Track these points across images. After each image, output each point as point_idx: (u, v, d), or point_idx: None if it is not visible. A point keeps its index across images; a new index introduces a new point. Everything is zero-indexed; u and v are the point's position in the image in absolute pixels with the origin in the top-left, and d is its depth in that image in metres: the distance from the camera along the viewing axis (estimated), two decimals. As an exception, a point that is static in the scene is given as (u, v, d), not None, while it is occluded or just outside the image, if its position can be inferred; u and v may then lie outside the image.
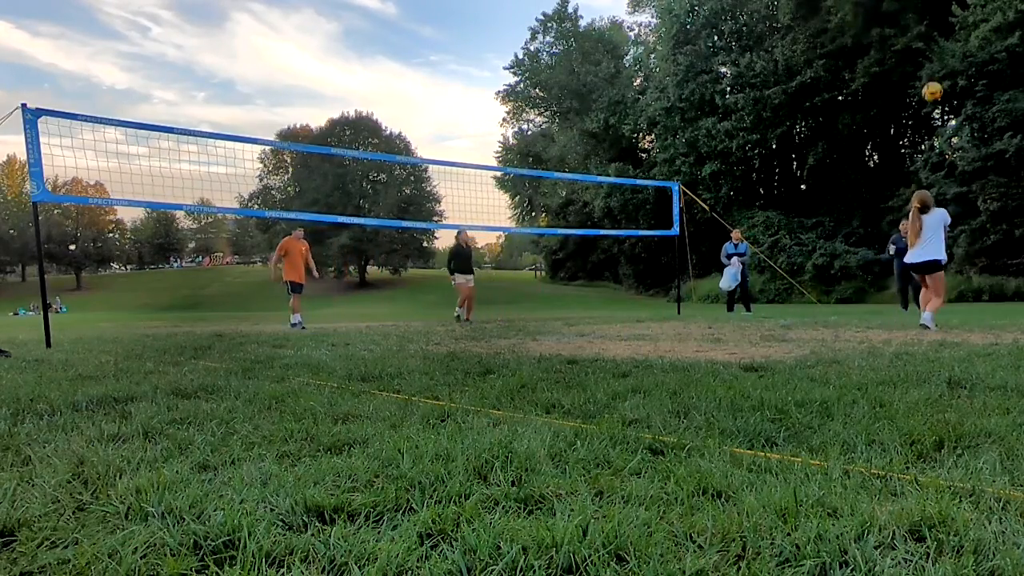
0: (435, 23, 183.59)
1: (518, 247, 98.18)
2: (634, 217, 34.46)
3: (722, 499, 1.49)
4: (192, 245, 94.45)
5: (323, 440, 2.10)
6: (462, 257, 11.44)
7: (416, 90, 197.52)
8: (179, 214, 74.55)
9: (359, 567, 1.17)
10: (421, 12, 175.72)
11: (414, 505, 1.48)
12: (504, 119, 55.24)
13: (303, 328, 9.95)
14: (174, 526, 1.35)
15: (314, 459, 1.90)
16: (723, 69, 32.89)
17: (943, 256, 7.31)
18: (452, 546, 1.25)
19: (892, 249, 11.91)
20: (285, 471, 1.76)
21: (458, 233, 11.55)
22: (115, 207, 45.51)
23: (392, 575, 1.15)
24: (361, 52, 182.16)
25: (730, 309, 12.82)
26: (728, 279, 12.57)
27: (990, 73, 21.81)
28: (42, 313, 7.52)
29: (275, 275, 11.05)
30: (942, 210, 7.32)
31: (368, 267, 61.89)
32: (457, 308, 11.62)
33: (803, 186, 34.41)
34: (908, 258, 7.33)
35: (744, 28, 33.50)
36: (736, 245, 12.78)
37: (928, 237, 7.17)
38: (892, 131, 32.19)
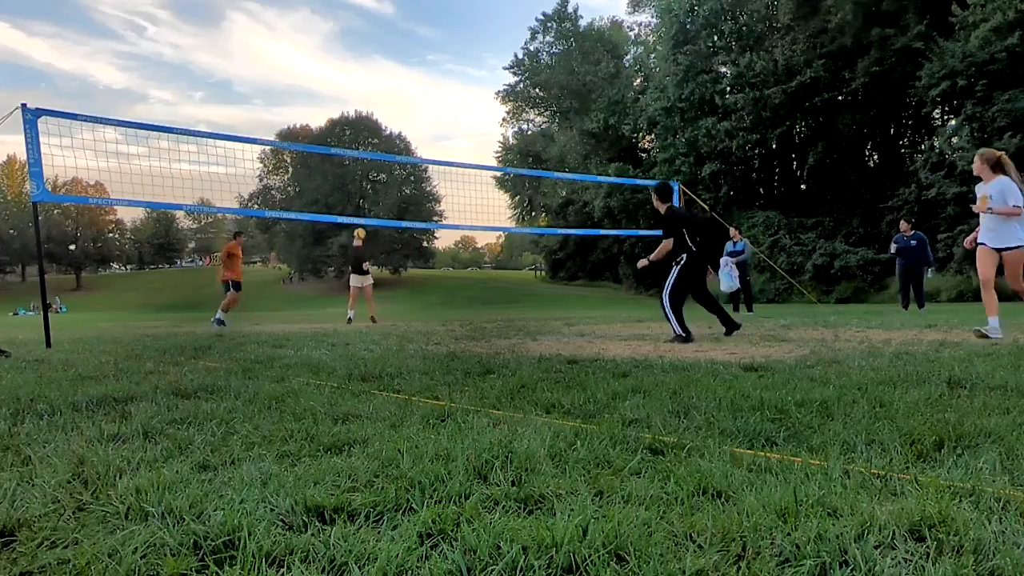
0: (432, 22, 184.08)
1: (518, 247, 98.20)
2: (634, 217, 34.44)
3: (722, 499, 1.49)
4: (192, 245, 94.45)
5: (323, 440, 2.10)
6: (352, 259, 12.21)
7: (413, 89, 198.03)
8: (179, 214, 74.63)
9: (359, 567, 1.17)
10: (418, 11, 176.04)
11: (414, 505, 1.48)
12: (504, 119, 55.30)
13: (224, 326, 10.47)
14: (174, 526, 1.35)
15: (314, 459, 1.90)
16: (723, 69, 32.88)
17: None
18: (452, 546, 1.25)
19: (893, 248, 11.93)
20: (285, 471, 1.76)
21: (356, 231, 12.20)
22: (115, 207, 45.52)
23: (392, 575, 1.15)
24: (358, 52, 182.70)
25: (735, 309, 12.81)
26: (724, 281, 12.49)
27: (990, 73, 21.81)
28: (42, 313, 7.51)
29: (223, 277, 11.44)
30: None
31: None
32: (348, 311, 12.27)
33: (803, 186, 34.40)
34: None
35: (744, 28, 33.49)
36: (735, 243, 12.75)
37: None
38: (892, 131, 32.19)
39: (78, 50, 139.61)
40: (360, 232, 12.16)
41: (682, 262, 6.45)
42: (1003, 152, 5.87)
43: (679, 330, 6.27)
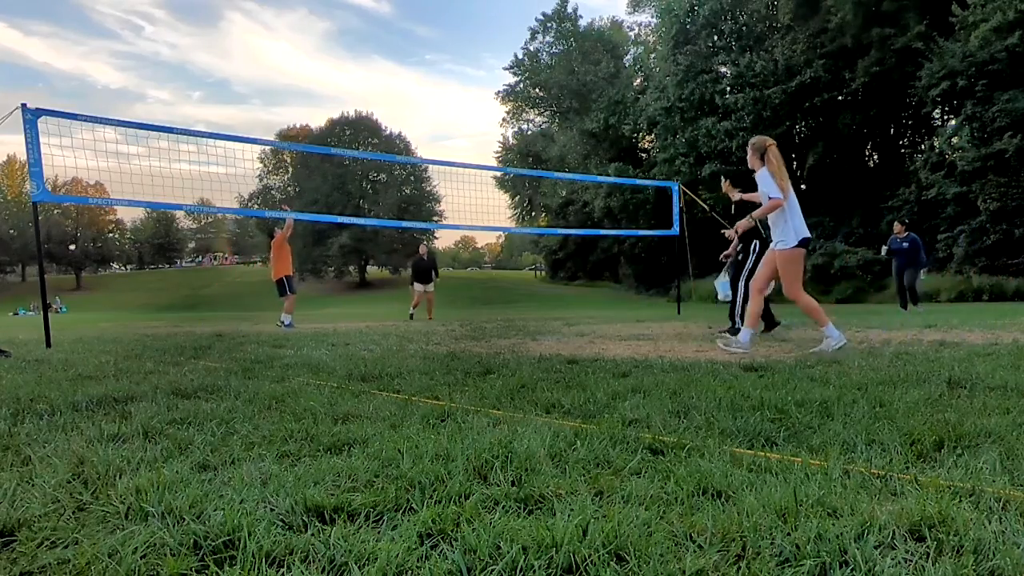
0: (430, 22, 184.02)
1: (518, 247, 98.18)
2: (634, 217, 34.44)
3: (722, 499, 1.49)
4: (192, 245, 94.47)
5: (323, 440, 2.10)
6: (418, 268, 14.00)
7: (412, 89, 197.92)
8: (179, 214, 74.65)
9: (359, 567, 1.17)
10: (415, 11, 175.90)
11: (414, 505, 1.48)
12: (504, 119, 55.32)
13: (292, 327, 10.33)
14: (174, 526, 1.35)
15: (314, 459, 1.90)
16: (723, 69, 32.88)
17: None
18: (452, 546, 1.25)
19: (884, 250, 12.06)
20: (285, 471, 1.76)
21: (419, 246, 14.35)
22: (115, 207, 45.50)
23: (392, 575, 1.15)
24: (356, 51, 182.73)
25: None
26: (722, 290, 12.48)
27: (990, 73, 21.81)
28: (42, 313, 7.51)
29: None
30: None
31: (368, 267, 61.93)
32: (412, 308, 13.85)
33: (803, 186, 34.36)
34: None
35: (744, 28, 33.49)
36: None
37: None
38: (892, 131, 32.19)
39: (76, 50, 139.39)
40: (422, 248, 14.21)
41: (757, 249, 6.59)
42: (774, 141, 5.06)
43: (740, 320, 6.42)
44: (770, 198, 4.85)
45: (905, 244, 11.83)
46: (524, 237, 73.01)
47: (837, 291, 25.45)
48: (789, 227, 4.87)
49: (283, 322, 10.66)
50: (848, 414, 2.36)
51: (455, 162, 10.66)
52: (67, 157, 7.32)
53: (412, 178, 58.87)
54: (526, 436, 2.05)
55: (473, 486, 1.60)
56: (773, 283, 5.77)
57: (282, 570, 1.19)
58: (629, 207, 34.92)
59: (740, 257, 6.67)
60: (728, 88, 32.28)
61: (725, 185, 6.53)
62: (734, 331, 6.43)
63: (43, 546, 1.30)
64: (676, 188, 12.76)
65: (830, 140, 30.55)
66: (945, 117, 28.58)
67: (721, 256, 7.15)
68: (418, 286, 13.78)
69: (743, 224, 5.48)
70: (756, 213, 5.01)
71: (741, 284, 6.58)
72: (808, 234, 4.94)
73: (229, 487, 1.62)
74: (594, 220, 37.32)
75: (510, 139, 53.51)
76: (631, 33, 48.21)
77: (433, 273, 13.92)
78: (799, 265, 4.91)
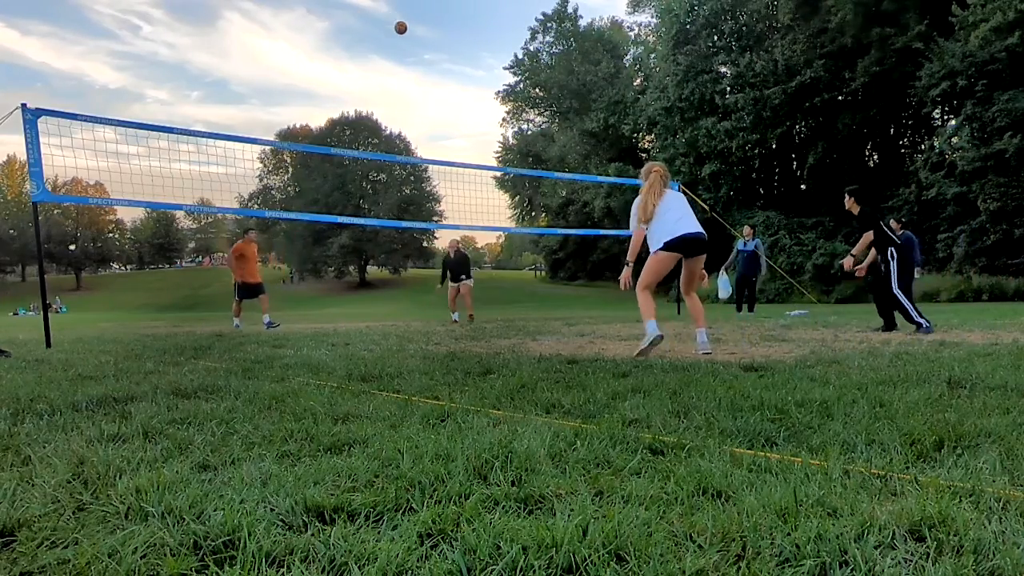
0: (428, 22, 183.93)
1: (518, 247, 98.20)
2: (634, 217, 34.43)
3: (722, 499, 1.49)
4: (192, 245, 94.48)
5: (323, 440, 2.10)
6: (448, 266, 12.87)
7: (410, 89, 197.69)
8: (179, 214, 74.69)
9: (359, 567, 1.17)
10: (414, 11, 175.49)
11: (414, 505, 1.48)
12: (504, 119, 55.30)
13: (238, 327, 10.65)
14: (174, 526, 1.35)
15: (314, 459, 1.90)
16: (723, 69, 32.89)
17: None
18: (452, 546, 1.25)
19: None
20: (285, 471, 1.75)
21: (450, 241, 13.09)
22: (115, 207, 45.48)
23: (392, 575, 1.15)
24: (354, 51, 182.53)
25: (738, 310, 12.80)
26: (722, 288, 12.48)
27: (990, 73, 21.83)
28: (42, 313, 7.51)
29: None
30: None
31: (368, 267, 61.94)
32: (452, 309, 12.84)
33: (803, 186, 34.41)
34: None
35: (744, 28, 33.49)
36: (745, 243, 12.71)
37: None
38: (892, 131, 32.21)
39: (73, 49, 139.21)
40: (452, 243, 13.09)
41: (895, 255, 6.86)
42: (661, 165, 5.53)
43: (918, 318, 6.65)
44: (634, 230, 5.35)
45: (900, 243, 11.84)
46: (524, 237, 73.06)
47: (838, 291, 25.46)
48: (653, 236, 5.26)
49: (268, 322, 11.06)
50: (848, 414, 2.36)
51: (455, 162, 10.65)
52: (67, 157, 7.32)
53: (412, 178, 58.92)
54: (526, 436, 2.05)
55: (473, 486, 1.60)
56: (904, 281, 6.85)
57: (282, 570, 1.19)
58: (629, 207, 34.84)
59: (883, 269, 6.96)
60: (728, 88, 32.29)
61: (847, 262, 7.08)
62: (887, 328, 6.89)
63: (43, 546, 1.30)
64: (676, 188, 12.75)
65: (830, 140, 30.56)
66: (945, 117, 28.61)
67: (856, 272, 7.29)
68: (450, 283, 12.91)
69: (624, 275, 5.59)
70: (629, 256, 5.33)
71: (896, 289, 6.85)
72: (671, 237, 5.12)
73: (229, 487, 1.62)
74: (594, 220, 37.36)
75: (510, 139, 53.51)
76: (631, 33, 48.25)
77: (467, 269, 12.83)
78: (659, 265, 5.18)
